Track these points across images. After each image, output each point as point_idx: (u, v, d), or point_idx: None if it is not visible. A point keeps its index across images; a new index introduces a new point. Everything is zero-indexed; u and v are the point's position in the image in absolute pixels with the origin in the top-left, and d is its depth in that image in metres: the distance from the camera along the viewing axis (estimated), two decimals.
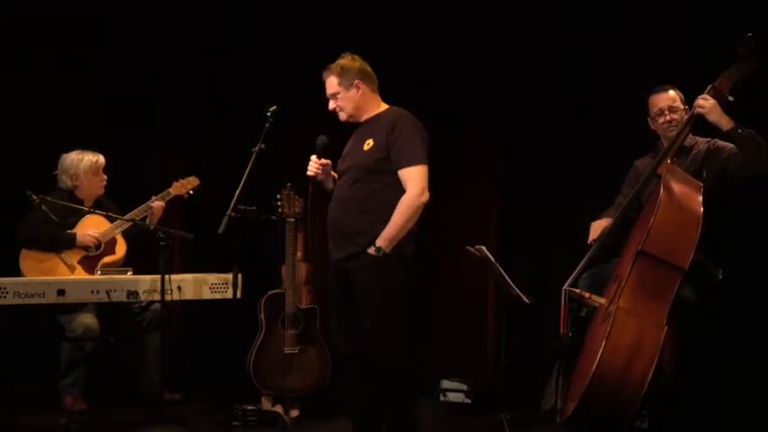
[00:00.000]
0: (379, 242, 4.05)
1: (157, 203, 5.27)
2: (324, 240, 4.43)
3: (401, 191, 4.13)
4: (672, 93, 4.52)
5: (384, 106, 4.32)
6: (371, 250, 4.06)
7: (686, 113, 4.43)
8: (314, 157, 4.29)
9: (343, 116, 4.30)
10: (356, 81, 4.23)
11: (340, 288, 4.24)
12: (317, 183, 4.33)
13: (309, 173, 4.29)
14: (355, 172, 4.20)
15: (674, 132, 4.42)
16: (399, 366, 4.12)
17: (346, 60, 4.28)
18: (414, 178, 4.10)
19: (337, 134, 4.46)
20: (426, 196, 4.12)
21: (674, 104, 4.49)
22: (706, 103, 4.22)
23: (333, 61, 4.35)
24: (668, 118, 4.48)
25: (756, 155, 4.17)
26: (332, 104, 4.30)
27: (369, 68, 4.30)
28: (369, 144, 4.19)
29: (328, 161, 4.33)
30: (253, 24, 6.11)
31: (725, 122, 4.19)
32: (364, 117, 4.29)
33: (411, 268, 4.18)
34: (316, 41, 5.94)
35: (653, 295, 3.94)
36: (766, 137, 4.21)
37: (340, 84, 4.24)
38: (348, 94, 4.24)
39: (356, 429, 4.33)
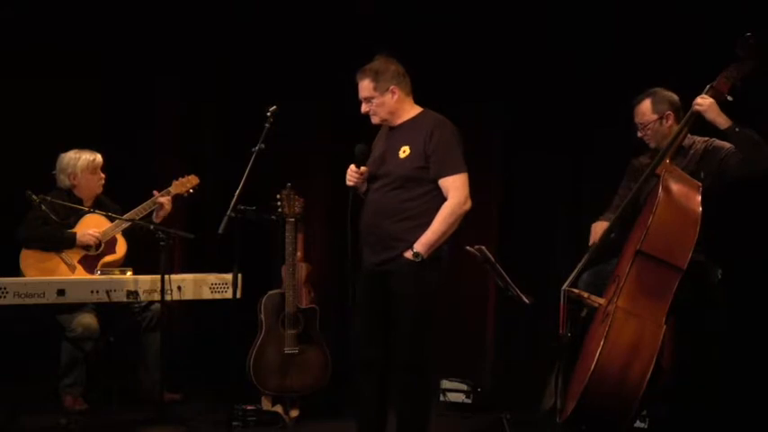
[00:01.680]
0: (418, 247, 4.05)
1: (165, 198, 5.27)
2: (324, 241, 4.45)
3: (439, 197, 4.11)
4: (639, 106, 4.51)
5: (417, 109, 4.26)
6: (409, 255, 4.06)
7: (665, 120, 4.45)
8: (353, 167, 4.21)
9: (375, 120, 4.23)
10: (392, 86, 4.15)
11: (373, 292, 4.22)
12: (356, 192, 4.26)
13: (350, 183, 4.21)
14: (392, 179, 4.14)
15: (653, 145, 4.47)
16: (426, 368, 4.17)
17: (381, 63, 4.19)
18: (456, 187, 4.10)
19: (338, 134, 4.46)
20: (469, 204, 4.14)
21: (643, 120, 4.49)
22: (704, 101, 4.22)
23: (332, 62, 4.35)
24: (640, 135, 4.53)
25: (754, 153, 4.17)
26: (365, 107, 4.21)
27: (403, 70, 4.23)
28: (405, 151, 4.14)
29: (367, 168, 4.24)
30: (253, 24, 6.11)
31: (722, 121, 4.20)
32: (398, 121, 4.23)
33: (444, 269, 4.19)
34: (316, 42, 5.95)
35: (652, 295, 3.94)
36: (765, 137, 4.22)
37: (375, 89, 4.15)
38: (383, 99, 4.16)
39: (361, 430, 4.34)
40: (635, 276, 3.97)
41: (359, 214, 4.25)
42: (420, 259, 4.03)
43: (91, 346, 5.00)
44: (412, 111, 4.24)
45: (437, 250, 4.10)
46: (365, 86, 4.18)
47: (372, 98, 4.17)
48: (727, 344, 4.69)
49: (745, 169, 4.24)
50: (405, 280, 4.08)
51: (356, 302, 4.33)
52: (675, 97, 4.48)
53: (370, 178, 4.25)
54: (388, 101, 4.16)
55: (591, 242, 4.54)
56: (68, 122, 5.83)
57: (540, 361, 5.35)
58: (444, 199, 4.11)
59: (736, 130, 4.18)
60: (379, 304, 4.19)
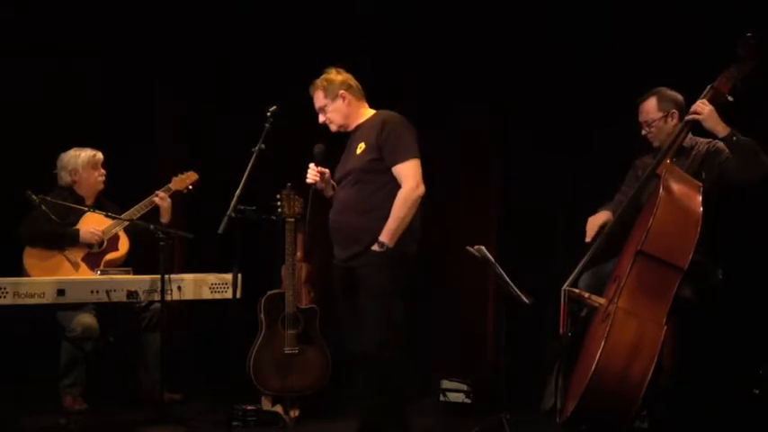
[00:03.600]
0: (382, 238, 4.19)
1: (163, 195, 5.29)
2: (325, 241, 4.46)
3: (397, 188, 4.25)
4: (645, 104, 4.53)
5: (371, 111, 4.46)
6: (375, 247, 4.19)
7: (670, 119, 4.45)
8: (312, 165, 4.41)
9: (333, 128, 4.46)
10: (341, 92, 4.38)
11: (344, 287, 4.38)
12: (316, 190, 4.44)
13: (308, 180, 4.41)
14: (353, 176, 4.34)
15: (657, 144, 4.49)
16: (389, 360, 4.23)
17: (330, 75, 4.43)
18: (408, 173, 4.24)
19: (337, 136, 4.48)
20: (422, 189, 4.26)
21: (648, 117, 4.52)
22: (703, 109, 4.22)
23: (332, 62, 4.40)
24: (644, 132, 4.54)
25: (751, 162, 4.17)
26: (321, 118, 4.46)
27: (353, 79, 4.45)
28: (361, 147, 4.33)
29: (326, 170, 4.44)
30: (253, 24, 6.11)
31: (721, 129, 4.20)
32: (353, 125, 4.44)
33: (411, 267, 4.29)
34: (315, 42, 5.95)
35: (652, 295, 3.95)
36: (766, 136, 4.21)
37: (326, 96, 4.40)
38: (335, 105, 4.40)
39: (362, 426, 4.41)
40: (636, 276, 3.97)
41: (319, 214, 4.46)
42: (386, 248, 4.16)
43: (91, 346, 4.99)
44: (366, 114, 4.46)
45: (403, 245, 4.22)
46: (318, 97, 4.45)
47: (325, 106, 4.41)
48: (727, 344, 4.70)
49: (742, 176, 4.24)
50: (370, 274, 4.23)
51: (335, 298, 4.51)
52: (680, 97, 4.49)
53: (337, 181, 4.46)
54: (339, 106, 4.40)
55: (588, 237, 4.54)
56: (68, 123, 5.83)
57: (541, 361, 5.36)
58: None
59: (734, 138, 4.18)
60: (353, 298, 4.32)
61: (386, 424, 4.29)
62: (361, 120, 4.43)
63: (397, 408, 4.31)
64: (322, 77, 4.43)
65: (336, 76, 4.42)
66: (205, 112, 6.21)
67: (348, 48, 5.51)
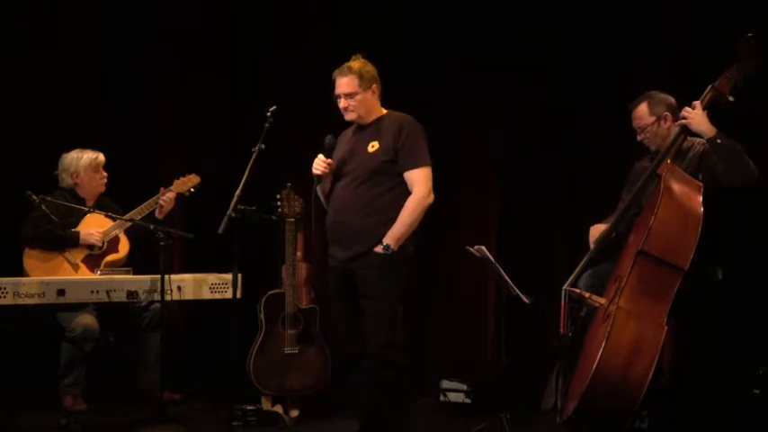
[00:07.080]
0: (387, 240, 4.18)
1: (169, 195, 5.28)
2: (324, 240, 4.46)
3: (405, 192, 4.26)
4: (636, 110, 4.50)
5: (384, 110, 4.43)
6: (379, 249, 4.19)
7: (663, 122, 4.43)
8: (321, 156, 4.35)
9: (352, 116, 4.38)
10: (374, 85, 4.34)
11: (343, 288, 4.36)
12: (320, 182, 4.40)
13: (316, 171, 4.36)
14: (360, 174, 4.29)
15: (654, 147, 4.46)
16: (396, 362, 4.23)
17: (362, 63, 4.36)
18: (421, 180, 4.25)
19: (338, 134, 4.48)
20: (432, 197, 4.28)
21: (641, 123, 4.48)
22: (689, 114, 4.21)
23: (334, 59, 4.40)
24: (639, 138, 4.53)
25: (733, 165, 4.14)
26: (344, 103, 4.35)
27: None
28: (374, 146, 4.29)
29: (332, 162, 4.38)
30: (254, 24, 6.11)
31: (706, 130, 4.18)
32: (369, 119, 4.38)
33: (411, 268, 4.30)
34: (316, 41, 5.95)
35: (653, 295, 3.95)
36: (766, 137, 4.21)
37: (359, 85, 4.31)
38: (365, 95, 4.33)
39: (362, 427, 4.42)
40: (636, 277, 3.97)
41: (323, 210, 4.43)
42: (390, 252, 4.16)
43: (91, 346, 4.99)
44: (381, 111, 4.42)
45: (404, 247, 4.23)
46: (348, 82, 4.33)
47: (355, 94, 4.33)
48: (727, 344, 4.69)
49: (726, 179, 4.21)
50: (372, 276, 4.22)
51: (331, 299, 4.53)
52: (671, 99, 4.47)
53: (336, 177, 4.39)
54: (368, 98, 4.35)
55: (591, 243, 4.53)
56: (68, 123, 5.82)
57: (541, 361, 5.36)
58: (410, 193, 4.26)
59: (718, 141, 4.16)
60: (351, 300, 4.32)
61: (388, 425, 4.29)
62: (376, 116, 4.39)
63: (401, 409, 4.29)
64: (356, 65, 4.33)
65: (369, 66, 4.35)
66: (205, 112, 6.20)
67: (348, 43, 5.50)
